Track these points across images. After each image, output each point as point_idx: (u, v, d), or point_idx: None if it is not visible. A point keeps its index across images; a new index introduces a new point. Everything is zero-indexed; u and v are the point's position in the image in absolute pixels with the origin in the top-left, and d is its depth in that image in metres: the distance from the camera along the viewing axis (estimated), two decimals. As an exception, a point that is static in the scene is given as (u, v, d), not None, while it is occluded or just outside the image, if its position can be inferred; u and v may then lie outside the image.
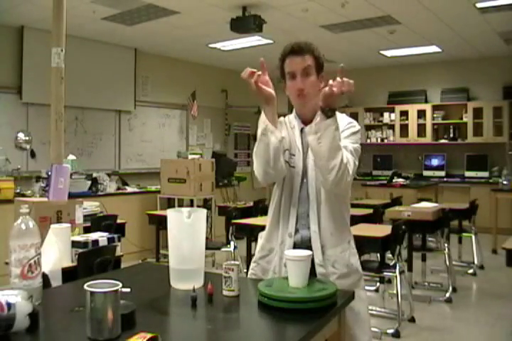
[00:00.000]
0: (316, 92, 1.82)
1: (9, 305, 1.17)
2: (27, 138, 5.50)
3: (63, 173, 2.97)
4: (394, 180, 7.41)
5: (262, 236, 1.96)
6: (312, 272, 1.69)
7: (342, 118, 1.84)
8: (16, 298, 1.21)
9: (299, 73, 1.77)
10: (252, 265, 1.95)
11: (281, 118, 1.96)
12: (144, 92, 7.52)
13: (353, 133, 1.80)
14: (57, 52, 3.05)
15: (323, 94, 1.60)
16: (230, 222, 4.56)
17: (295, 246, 1.80)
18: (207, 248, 1.93)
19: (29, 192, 5.19)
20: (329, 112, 1.61)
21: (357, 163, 1.74)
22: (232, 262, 1.57)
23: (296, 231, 1.82)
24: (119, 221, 4.00)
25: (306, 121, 1.86)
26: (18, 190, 5.15)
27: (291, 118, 1.94)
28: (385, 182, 7.36)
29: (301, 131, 1.87)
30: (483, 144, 7.88)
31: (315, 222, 1.79)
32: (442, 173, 8.23)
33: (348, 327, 1.66)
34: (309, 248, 1.74)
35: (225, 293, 1.54)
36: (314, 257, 1.76)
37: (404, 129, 8.56)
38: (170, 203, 6.27)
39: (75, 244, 2.45)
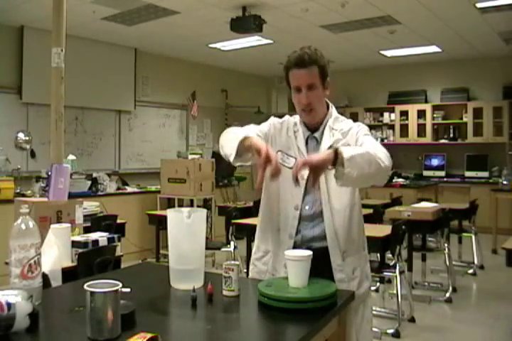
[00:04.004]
0: (322, 101, 1.84)
1: (9, 305, 1.17)
2: (27, 138, 5.50)
3: (63, 173, 2.97)
4: (394, 180, 7.41)
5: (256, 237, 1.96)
6: (320, 268, 1.67)
7: (348, 123, 1.87)
8: (16, 298, 1.21)
9: (304, 87, 1.76)
10: (250, 267, 1.95)
11: (286, 118, 1.95)
12: (144, 92, 7.52)
13: (365, 130, 1.84)
14: (57, 52, 3.05)
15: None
16: (230, 222, 4.56)
17: (294, 246, 1.79)
18: (207, 248, 1.94)
19: (29, 192, 5.19)
20: (336, 164, 1.54)
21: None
22: (232, 262, 1.56)
23: (298, 232, 1.81)
24: (119, 221, 4.00)
25: (311, 127, 1.87)
26: (18, 190, 5.15)
27: (296, 121, 1.91)
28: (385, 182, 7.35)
29: (308, 138, 1.86)
30: (483, 144, 7.88)
31: (331, 228, 1.77)
32: (442, 173, 8.23)
33: (353, 335, 1.65)
34: (310, 248, 1.73)
35: (225, 293, 1.54)
36: (331, 262, 1.76)
37: (404, 129, 8.56)
38: (170, 203, 6.26)
39: (75, 244, 2.45)
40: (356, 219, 1.83)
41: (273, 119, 1.96)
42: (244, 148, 1.64)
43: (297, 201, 1.81)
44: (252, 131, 1.77)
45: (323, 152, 1.61)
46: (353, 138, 1.81)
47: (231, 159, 1.69)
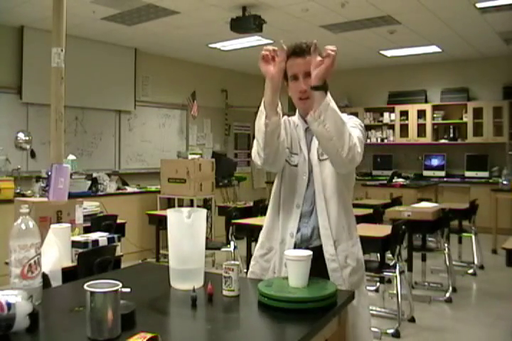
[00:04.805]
0: None
1: (9, 305, 1.17)
2: (27, 138, 5.50)
3: (63, 173, 2.97)
4: (394, 180, 7.41)
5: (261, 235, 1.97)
6: (319, 268, 1.69)
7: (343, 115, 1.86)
8: (16, 298, 1.21)
9: (302, 75, 1.78)
10: (252, 263, 1.97)
11: (285, 117, 1.97)
12: (144, 92, 7.52)
13: (354, 123, 1.81)
14: (57, 52, 3.06)
15: (318, 70, 1.59)
16: (230, 222, 4.56)
17: (295, 245, 1.80)
18: (207, 248, 1.94)
19: (29, 192, 5.19)
20: (322, 88, 1.59)
21: (363, 148, 1.71)
22: (232, 262, 1.57)
23: (298, 230, 1.82)
24: (119, 221, 4.00)
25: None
26: (18, 190, 5.15)
27: (295, 118, 1.95)
28: (385, 182, 7.36)
29: (306, 130, 1.88)
30: (483, 144, 7.88)
31: (325, 217, 1.79)
32: (442, 173, 8.23)
33: (349, 322, 1.66)
34: (308, 247, 1.74)
35: (225, 293, 1.54)
36: (324, 252, 1.77)
37: (404, 129, 8.56)
38: (170, 203, 6.27)
39: (75, 244, 2.45)
40: (345, 205, 1.85)
41: None
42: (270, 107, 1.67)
43: (299, 200, 1.83)
44: None
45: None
46: None
47: (263, 120, 1.68)
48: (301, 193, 1.83)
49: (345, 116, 1.84)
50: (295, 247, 1.79)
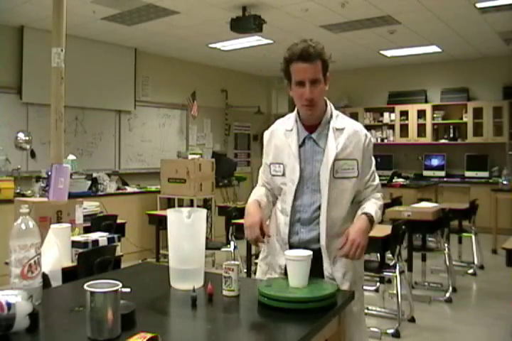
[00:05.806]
0: (324, 97, 1.83)
1: (9, 305, 1.18)
2: (27, 138, 5.49)
3: (63, 173, 2.97)
4: (394, 180, 7.40)
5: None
6: (318, 271, 1.72)
7: (351, 122, 1.86)
8: (16, 298, 1.21)
9: (308, 82, 1.73)
10: (257, 267, 1.99)
11: (276, 124, 1.96)
12: (144, 92, 7.52)
13: (372, 146, 1.92)
14: (57, 52, 3.06)
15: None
16: (230, 222, 4.56)
17: (292, 247, 1.80)
18: (207, 248, 1.94)
19: (29, 192, 5.19)
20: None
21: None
22: (232, 262, 1.57)
23: (295, 233, 1.82)
24: (119, 221, 4.00)
25: (310, 126, 1.85)
26: (18, 190, 5.15)
27: (289, 121, 1.90)
28: (385, 182, 7.35)
29: (305, 139, 1.84)
30: (483, 144, 7.88)
31: (325, 235, 1.78)
32: (442, 173, 8.23)
33: (347, 329, 1.66)
34: (307, 248, 1.74)
35: (225, 293, 1.54)
36: (324, 270, 1.78)
37: (404, 129, 8.55)
38: (170, 203, 6.27)
39: (75, 244, 2.45)
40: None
41: (265, 134, 1.98)
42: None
43: (287, 207, 1.83)
44: (259, 193, 1.93)
45: (362, 223, 1.74)
46: (360, 152, 1.85)
47: None
48: (288, 202, 1.82)
49: (358, 129, 1.88)
50: (292, 248, 1.79)
